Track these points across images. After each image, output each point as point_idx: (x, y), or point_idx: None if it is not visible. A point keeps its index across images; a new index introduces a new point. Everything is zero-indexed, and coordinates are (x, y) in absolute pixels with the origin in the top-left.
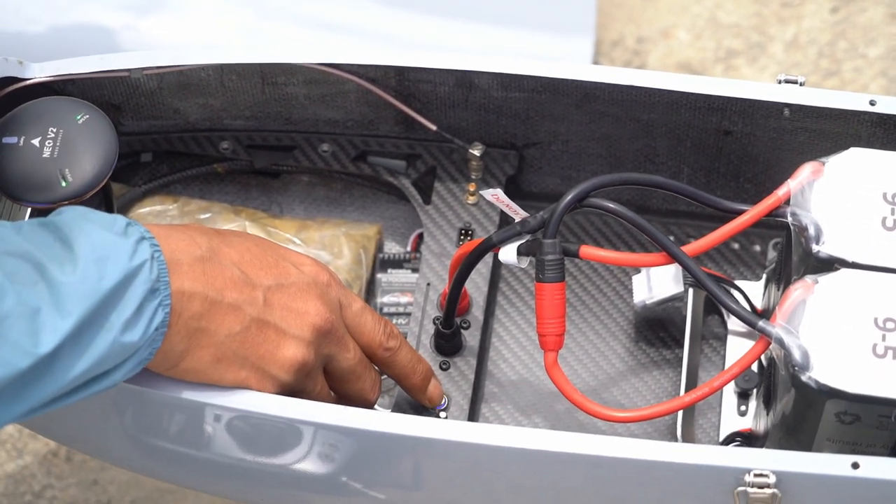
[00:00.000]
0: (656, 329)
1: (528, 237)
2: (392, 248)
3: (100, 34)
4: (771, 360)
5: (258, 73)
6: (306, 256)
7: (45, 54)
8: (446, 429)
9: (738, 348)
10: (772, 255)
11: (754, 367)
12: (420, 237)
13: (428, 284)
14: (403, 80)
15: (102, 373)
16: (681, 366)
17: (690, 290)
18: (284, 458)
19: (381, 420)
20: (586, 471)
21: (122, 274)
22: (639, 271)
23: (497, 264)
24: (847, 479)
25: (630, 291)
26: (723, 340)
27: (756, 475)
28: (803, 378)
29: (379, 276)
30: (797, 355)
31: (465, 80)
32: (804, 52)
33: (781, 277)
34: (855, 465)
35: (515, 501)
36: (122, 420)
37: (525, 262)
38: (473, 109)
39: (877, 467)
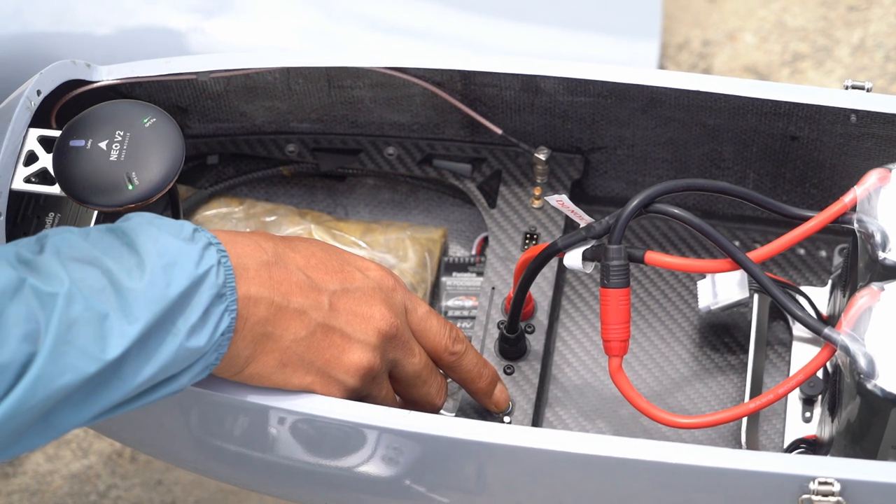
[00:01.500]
0: (721, 335)
1: (593, 242)
2: (457, 252)
3: (167, 36)
4: (836, 366)
5: (324, 77)
6: (371, 261)
7: (112, 57)
8: (510, 434)
9: (803, 354)
10: (838, 260)
11: (819, 374)
12: (485, 241)
13: (493, 288)
14: (469, 84)
15: (169, 377)
16: (745, 371)
17: (756, 296)
18: (348, 461)
19: (446, 425)
20: (649, 477)
21: (189, 280)
22: (704, 276)
23: (562, 269)
24: None
25: (695, 296)
26: (788, 346)
27: (821, 483)
28: (869, 386)
29: (444, 279)
30: (863, 363)
31: (530, 85)
32: (871, 56)
33: (847, 284)
34: None
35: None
36: (187, 422)
37: (590, 268)
38: (539, 114)
39: None
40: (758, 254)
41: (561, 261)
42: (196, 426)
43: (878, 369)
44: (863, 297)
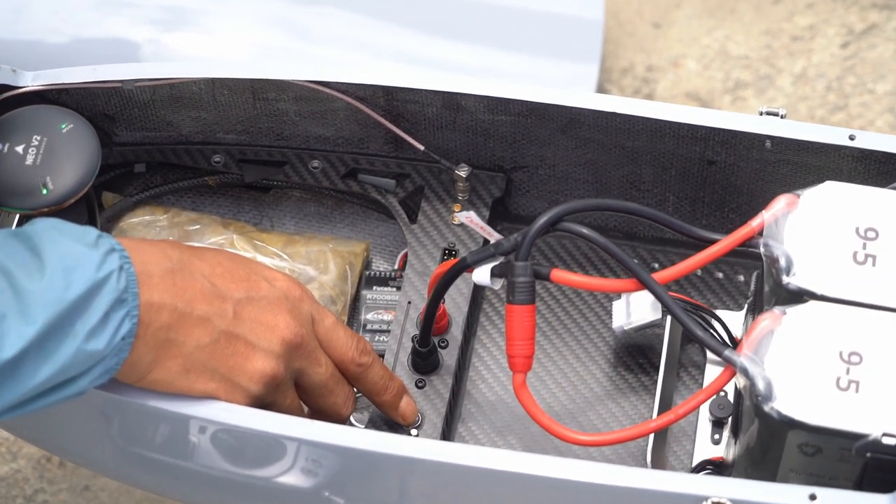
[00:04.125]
0: (635, 355)
1: (501, 259)
2: (380, 266)
3: (122, 47)
4: (738, 392)
5: (249, 89)
6: (279, 272)
7: (64, 65)
8: (411, 446)
9: (716, 377)
10: (755, 285)
11: (730, 397)
12: (408, 256)
13: (409, 303)
14: (392, 100)
15: (68, 380)
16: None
17: (668, 318)
18: (257, 470)
19: (346, 434)
20: (549, 492)
21: (89, 284)
22: (619, 296)
23: (479, 285)
24: None
25: (610, 316)
26: (702, 369)
27: (713, 503)
28: (766, 408)
29: (364, 292)
30: (761, 385)
31: (452, 102)
32: (812, 86)
33: (755, 308)
34: (812, 497)
35: None
36: (106, 430)
37: (498, 284)
38: (461, 131)
39: (834, 499)
40: (663, 275)
41: None
42: (116, 434)
43: (776, 392)
44: (764, 321)
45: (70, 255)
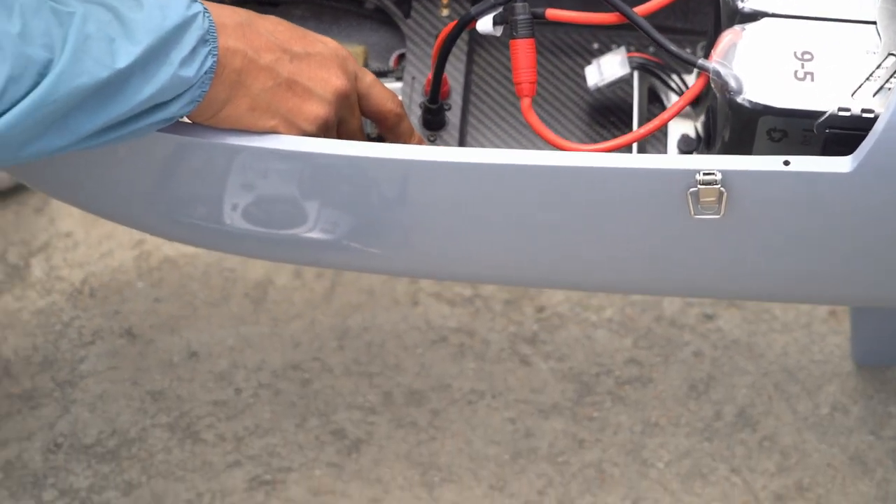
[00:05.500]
0: (607, 115)
1: (500, 8)
2: (376, 66)
3: None
4: (710, 108)
5: None
6: (328, 38)
7: None
8: (441, 153)
9: (677, 129)
10: (699, 55)
11: (692, 135)
12: (400, 57)
13: (413, 78)
14: None
15: (163, 102)
16: (630, 146)
17: (636, 74)
18: (295, 211)
19: (395, 149)
20: (555, 184)
21: (181, 19)
22: (590, 63)
23: (471, 56)
24: (780, 174)
25: (582, 84)
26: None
27: (705, 174)
28: (738, 100)
29: None
30: (732, 83)
31: None
32: None
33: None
34: (786, 163)
35: (497, 220)
36: (151, 176)
37: (499, 31)
38: None
39: (804, 163)
40: (641, 9)
41: (470, 51)
42: (159, 184)
43: (746, 87)
44: (728, 35)
45: None
